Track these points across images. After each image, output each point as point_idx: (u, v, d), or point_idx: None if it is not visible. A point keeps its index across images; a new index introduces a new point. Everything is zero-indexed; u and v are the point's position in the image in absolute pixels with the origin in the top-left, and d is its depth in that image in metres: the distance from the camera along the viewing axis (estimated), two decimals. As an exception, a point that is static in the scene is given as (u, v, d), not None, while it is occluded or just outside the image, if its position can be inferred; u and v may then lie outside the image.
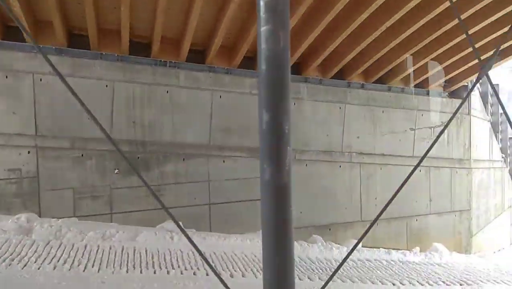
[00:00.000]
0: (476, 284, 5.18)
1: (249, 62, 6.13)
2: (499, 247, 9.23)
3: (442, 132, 0.83)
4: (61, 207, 5.38)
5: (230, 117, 6.05)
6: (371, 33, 5.26)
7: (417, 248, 6.51)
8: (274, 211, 0.65)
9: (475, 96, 7.74)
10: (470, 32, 5.49)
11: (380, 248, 6.13)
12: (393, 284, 4.59)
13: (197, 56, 5.86)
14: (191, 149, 5.87)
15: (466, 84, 7.31)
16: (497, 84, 9.37)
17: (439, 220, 7.23)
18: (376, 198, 6.86)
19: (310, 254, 5.44)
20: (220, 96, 5.98)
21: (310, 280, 4.49)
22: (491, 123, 9.28)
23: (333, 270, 5.05)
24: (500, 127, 10.02)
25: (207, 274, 4.20)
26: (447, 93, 7.32)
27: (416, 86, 7.10)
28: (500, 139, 9.97)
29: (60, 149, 5.40)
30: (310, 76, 6.47)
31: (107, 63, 5.53)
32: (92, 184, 5.48)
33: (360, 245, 6.28)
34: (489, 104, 8.65)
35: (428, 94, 7.17)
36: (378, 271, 5.19)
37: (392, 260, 5.75)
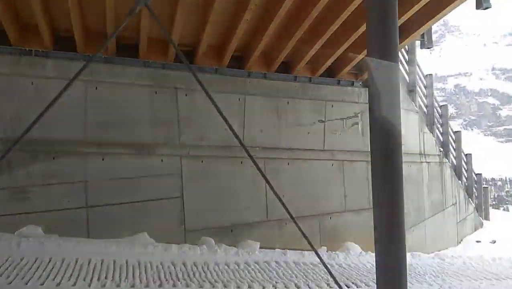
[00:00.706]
0: (367, 286, 4.67)
1: (132, 49, 5.65)
2: (441, 247, 8.74)
3: None
4: None
5: (110, 110, 5.54)
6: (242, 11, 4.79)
7: (324, 248, 5.98)
8: None
9: (395, 85, 7.28)
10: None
11: (276, 249, 5.60)
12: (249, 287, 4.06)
13: (68, 43, 5.36)
14: (63, 146, 5.33)
15: (380, 71, 6.86)
16: (430, 74, 8.97)
17: (356, 218, 6.72)
18: (284, 196, 6.28)
19: (188, 258, 4.89)
20: (96, 88, 5.47)
21: (160, 287, 3.95)
22: (426, 115, 8.86)
23: (208, 273, 4.50)
24: (440, 120, 9.62)
25: (26, 283, 3.65)
26: (360, 82, 6.87)
27: (325, 75, 6.65)
28: (441, 133, 9.56)
29: None
30: (204, 65, 5.99)
31: (-40, 53, 5.02)
32: None
33: (257, 246, 5.76)
34: (418, 95, 8.21)
35: (338, 83, 6.71)
36: (259, 274, 4.65)
37: (284, 262, 5.21)
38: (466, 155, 10.72)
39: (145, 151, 5.66)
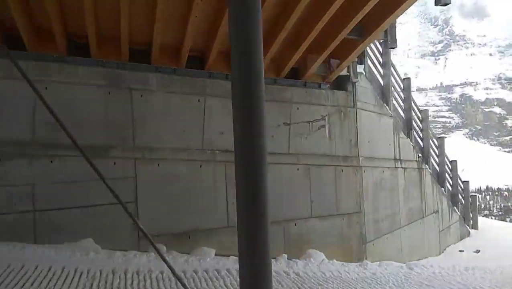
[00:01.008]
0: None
1: (84, 48, 5.49)
2: (421, 256, 8.43)
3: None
4: None
5: (60, 111, 5.25)
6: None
7: (285, 255, 5.72)
8: None
9: (365, 88, 7.07)
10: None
11: (231, 257, 5.35)
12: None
13: (16, 42, 5.21)
14: (9, 148, 5.15)
15: (348, 74, 6.66)
16: (409, 78, 8.75)
17: (323, 224, 6.45)
18: (245, 201, 6.09)
19: (131, 266, 4.64)
20: (46, 88, 5.30)
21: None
22: (404, 120, 8.62)
23: (147, 282, 4.26)
24: (420, 124, 9.37)
25: None
26: (328, 85, 6.66)
27: (291, 76, 6.45)
28: (421, 138, 9.30)
29: None
30: (162, 65, 5.82)
31: None
32: None
33: (212, 253, 5.51)
34: (392, 98, 7.96)
35: (305, 85, 6.50)
36: (204, 283, 4.40)
37: (237, 270, 4.95)
38: (451, 161, 10.43)
39: (96, 153, 5.45)
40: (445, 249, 9.35)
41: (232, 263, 5.13)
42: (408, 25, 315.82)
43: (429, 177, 8.83)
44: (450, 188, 10.26)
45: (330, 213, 6.51)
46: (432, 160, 9.40)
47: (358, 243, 6.70)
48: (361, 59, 7.07)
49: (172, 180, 5.78)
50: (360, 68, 6.94)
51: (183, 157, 5.84)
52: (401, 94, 8.50)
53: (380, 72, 7.72)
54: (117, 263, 4.65)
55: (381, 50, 7.73)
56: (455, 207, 10.20)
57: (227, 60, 6.02)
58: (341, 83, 6.72)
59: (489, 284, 5.44)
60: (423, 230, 8.50)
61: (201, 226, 5.87)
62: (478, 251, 9.19)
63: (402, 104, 8.47)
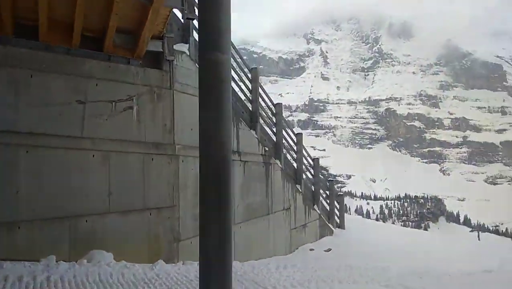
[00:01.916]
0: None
1: None
2: (264, 255, 8.00)
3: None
4: None
5: None
6: None
7: (52, 257, 4.78)
8: None
9: (189, 70, 6.45)
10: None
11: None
12: None
13: None
14: None
15: (161, 50, 5.98)
16: (255, 67, 8.40)
17: (125, 220, 5.62)
18: (18, 192, 5.05)
19: None
20: None
21: None
22: (250, 112, 8.20)
23: None
24: (274, 118, 9.05)
25: None
26: (140, 62, 5.91)
27: (92, 47, 5.58)
28: (275, 132, 8.98)
29: None
30: None
31: None
32: None
33: None
34: (237, 87, 7.48)
35: (109, 59, 5.67)
36: None
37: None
38: (313, 159, 10.31)
39: None
40: (297, 248, 9.10)
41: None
42: (342, 41, 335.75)
43: (279, 172, 8.50)
44: (312, 186, 10.14)
45: (135, 207, 5.71)
46: (289, 156, 9.15)
47: (169, 241, 5.97)
48: (187, 38, 6.44)
49: None
50: (183, 48, 6.28)
51: None
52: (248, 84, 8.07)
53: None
54: None
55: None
56: (315, 206, 10.08)
57: (66, 31, 4.97)
58: (156, 61, 6.00)
59: (283, 283, 5.03)
60: (269, 227, 8.11)
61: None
62: (329, 250, 9.07)
63: (248, 94, 8.04)
